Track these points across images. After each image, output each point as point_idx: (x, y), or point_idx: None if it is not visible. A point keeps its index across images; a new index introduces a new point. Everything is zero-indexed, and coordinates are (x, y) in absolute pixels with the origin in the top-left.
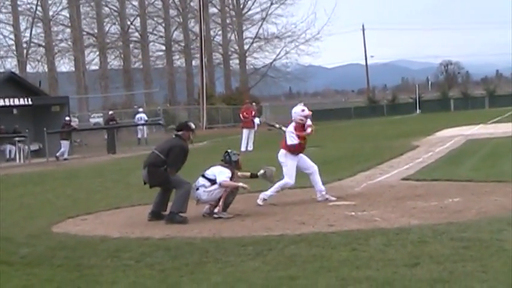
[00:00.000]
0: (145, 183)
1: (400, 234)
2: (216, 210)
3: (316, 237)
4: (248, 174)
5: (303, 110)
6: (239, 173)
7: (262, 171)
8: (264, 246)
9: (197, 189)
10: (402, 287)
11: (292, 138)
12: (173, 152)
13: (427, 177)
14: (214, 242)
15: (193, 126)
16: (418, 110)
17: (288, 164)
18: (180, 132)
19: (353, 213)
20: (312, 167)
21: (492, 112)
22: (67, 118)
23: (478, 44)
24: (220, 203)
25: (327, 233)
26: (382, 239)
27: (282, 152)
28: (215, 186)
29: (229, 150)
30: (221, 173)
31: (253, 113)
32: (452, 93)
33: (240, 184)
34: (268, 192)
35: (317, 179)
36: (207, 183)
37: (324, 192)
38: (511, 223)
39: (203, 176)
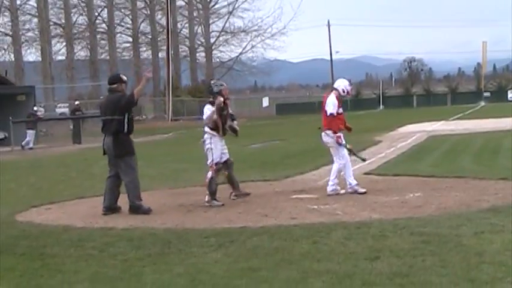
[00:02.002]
0: (104, 153)
1: (361, 228)
2: (206, 199)
3: (278, 229)
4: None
5: (350, 85)
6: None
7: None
8: (226, 238)
9: (205, 132)
10: (362, 280)
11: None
12: (121, 103)
13: (389, 172)
14: (177, 233)
15: (125, 78)
16: (381, 106)
17: (334, 143)
18: (113, 86)
19: (315, 207)
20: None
21: (454, 109)
22: (35, 108)
23: (441, 41)
24: (207, 191)
25: (289, 225)
26: (343, 233)
27: (326, 133)
28: (209, 146)
29: (212, 82)
30: (206, 110)
31: None
32: (415, 90)
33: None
34: (332, 181)
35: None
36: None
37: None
38: (470, 219)
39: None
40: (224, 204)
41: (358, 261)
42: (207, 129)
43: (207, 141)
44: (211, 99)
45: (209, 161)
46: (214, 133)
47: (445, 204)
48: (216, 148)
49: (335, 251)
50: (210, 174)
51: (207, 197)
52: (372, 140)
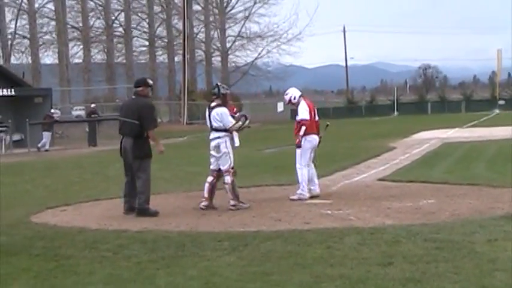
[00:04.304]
0: (121, 154)
1: (374, 234)
2: (232, 203)
3: (292, 234)
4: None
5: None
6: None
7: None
8: (240, 241)
9: (219, 137)
10: (375, 286)
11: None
12: (144, 113)
13: (403, 178)
14: (191, 236)
15: (151, 82)
16: (395, 112)
17: None
18: (139, 89)
19: (329, 212)
20: None
21: (468, 116)
22: (52, 111)
23: (456, 48)
24: (231, 196)
25: (303, 230)
26: (357, 238)
27: None
28: (226, 150)
29: (219, 83)
30: (224, 115)
31: (234, 109)
32: (430, 97)
33: (241, 120)
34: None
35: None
36: (222, 134)
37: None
38: (483, 226)
39: (213, 129)
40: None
41: (371, 267)
42: (221, 133)
43: (223, 146)
44: (219, 102)
45: (226, 166)
46: (229, 134)
47: (458, 211)
48: (231, 152)
49: (348, 256)
50: (229, 179)
51: (231, 201)
52: (386, 146)
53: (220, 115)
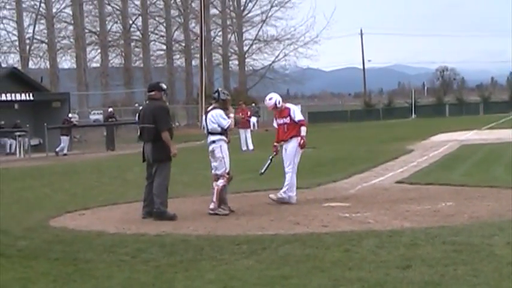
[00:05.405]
0: (144, 160)
1: (392, 237)
2: (211, 206)
3: (310, 237)
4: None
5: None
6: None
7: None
8: (258, 245)
9: (213, 142)
10: None
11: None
12: (157, 115)
13: (421, 181)
14: (209, 240)
15: (164, 86)
16: (413, 115)
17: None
18: (152, 93)
19: (347, 215)
20: None
21: (486, 118)
22: (70, 115)
23: (474, 51)
24: (215, 199)
25: (321, 233)
26: (375, 241)
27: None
28: (220, 155)
29: (219, 89)
30: (219, 116)
31: (249, 113)
32: (448, 99)
33: (231, 116)
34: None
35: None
36: (216, 137)
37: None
38: (503, 228)
39: (209, 133)
40: (229, 214)
41: (389, 270)
42: (216, 136)
43: (217, 151)
44: (216, 105)
45: (221, 171)
46: (226, 138)
47: (477, 213)
48: (227, 156)
49: (366, 259)
50: (222, 182)
51: (212, 204)
52: (404, 148)
53: (215, 116)
